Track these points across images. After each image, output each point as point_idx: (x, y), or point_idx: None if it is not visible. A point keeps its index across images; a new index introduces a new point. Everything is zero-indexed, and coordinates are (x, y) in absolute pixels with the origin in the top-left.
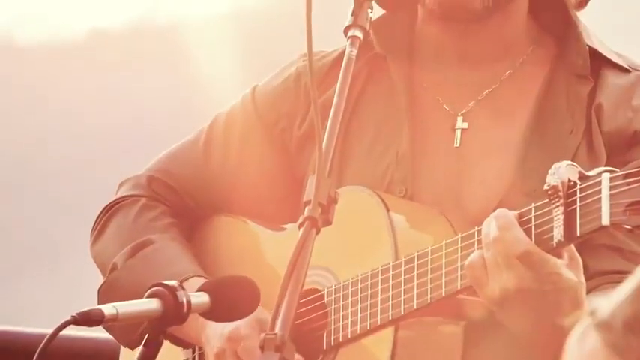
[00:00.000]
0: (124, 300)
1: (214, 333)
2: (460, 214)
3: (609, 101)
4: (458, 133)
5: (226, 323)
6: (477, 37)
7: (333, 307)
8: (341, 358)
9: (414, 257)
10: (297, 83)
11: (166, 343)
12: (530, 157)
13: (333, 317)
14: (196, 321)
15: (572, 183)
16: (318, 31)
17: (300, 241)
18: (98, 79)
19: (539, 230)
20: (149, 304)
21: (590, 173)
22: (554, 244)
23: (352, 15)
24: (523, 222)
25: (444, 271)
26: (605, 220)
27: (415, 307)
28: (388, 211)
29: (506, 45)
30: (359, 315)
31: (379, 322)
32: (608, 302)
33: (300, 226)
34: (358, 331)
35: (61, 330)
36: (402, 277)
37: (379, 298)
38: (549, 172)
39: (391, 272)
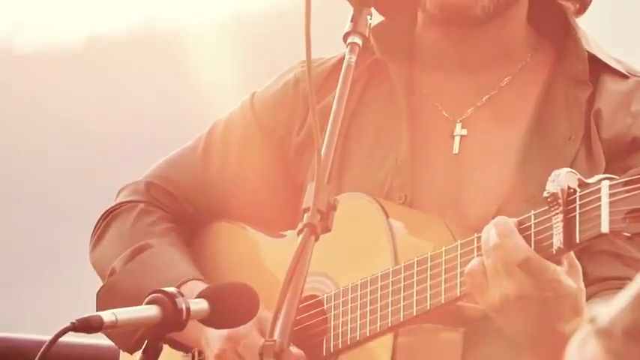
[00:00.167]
0: (123, 304)
1: (214, 335)
2: (459, 220)
3: (608, 107)
4: (457, 139)
5: None
6: (477, 42)
7: (332, 313)
8: None
9: (413, 264)
10: (295, 89)
11: (166, 347)
12: (530, 164)
13: (332, 324)
14: (195, 325)
15: (571, 190)
16: (317, 38)
17: (299, 247)
18: (98, 86)
19: (538, 237)
20: (148, 311)
21: (590, 180)
22: (554, 251)
23: (351, 21)
24: (523, 229)
25: (443, 277)
26: (605, 228)
27: (415, 313)
28: (387, 217)
29: (506, 51)
30: (358, 321)
31: (378, 329)
32: (608, 309)
33: (299, 233)
34: (357, 338)
35: (60, 337)
36: (402, 283)
37: (378, 304)
38: (549, 179)
39: (390, 279)
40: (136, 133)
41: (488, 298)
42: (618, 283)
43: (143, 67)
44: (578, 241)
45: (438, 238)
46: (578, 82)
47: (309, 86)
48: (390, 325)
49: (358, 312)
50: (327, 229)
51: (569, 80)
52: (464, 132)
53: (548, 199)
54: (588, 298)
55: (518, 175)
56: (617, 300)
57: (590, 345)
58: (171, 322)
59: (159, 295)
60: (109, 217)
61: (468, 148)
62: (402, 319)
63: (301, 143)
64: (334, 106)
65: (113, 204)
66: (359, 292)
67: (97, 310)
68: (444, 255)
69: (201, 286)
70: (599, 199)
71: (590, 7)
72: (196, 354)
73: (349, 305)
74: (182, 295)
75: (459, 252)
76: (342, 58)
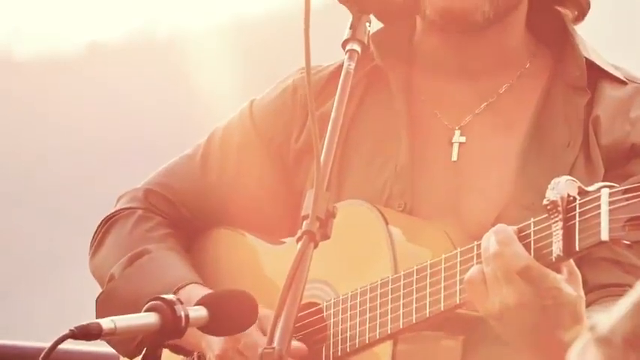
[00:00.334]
0: (122, 310)
1: (214, 337)
2: (459, 227)
3: (607, 114)
4: (455, 146)
5: None
6: (476, 49)
7: (331, 320)
8: None
9: (413, 271)
10: (293, 96)
11: (166, 351)
12: (528, 171)
13: (331, 331)
14: (195, 329)
15: (571, 198)
16: (317, 44)
17: (298, 254)
18: (97, 93)
19: (538, 245)
20: (147, 319)
21: (590, 188)
22: (554, 259)
23: (350, 28)
24: (522, 237)
25: (442, 285)
26: (605, 236)
27: (414, 321)
28: (387, 224)
29: (505, 57)
30: (358, 329)
31: (378, 336)
32: (608, 317)
33: (298, 240)
34: (357, 345)
35: (59, 344)
36: (401, 291)
37: (378, 312)
38: (549, 186)
39: (390, 286)
40: (135, 140)
41: (487, 306)
42: (618, 290)
43: (143, 74)
44: (577, 248)
45: (438, 245)
46: (577, 89)
47: (308, 93)
48: (389, 332)
49: (358, 319)
50: (326, 237)
51: (568, 87)
52: (462, 139)
53: (548, 207)
54: (588, 305)
55: (518, 182)
56: (617, 308)
57: (590, 353)
58: (170, 330)
59: (158, 302)
60: (107, 224)
61: (467, 156)
62: (401, 327)
63: (300, 150)
64: (333, 113)
65: (111, 211)
66: (358, 300)
67: (97, 317)
68: (443, 263)
69: (200, 289)
70: (599, 206)
71: (590, 14)
72: (196, 357)
73: (349, 313)
74: (181, 303)
75: (458, 260)
76: (341, 66)
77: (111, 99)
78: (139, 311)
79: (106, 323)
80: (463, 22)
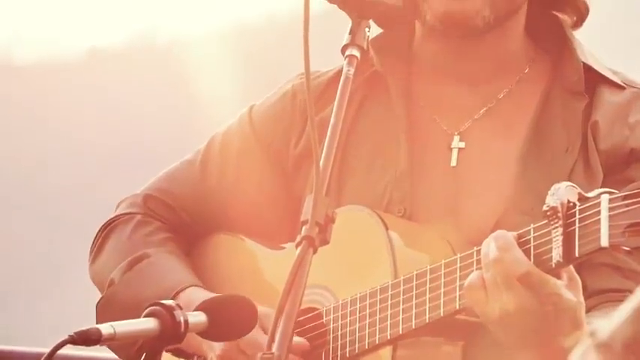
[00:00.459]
0: (122, 314)
1: None
2: (458, 233)
3: (605, 119)
4: (454, 152)
5: None
6: (475, 54)
7: (331, 326)
8: None
9: (412, 277)
10: (293, 102)
11: (168, 355)
12: (528, 176)
13: (331, 336)
14: None
15: (571, 204)
16: (316, 50)
17: (297, 260)
18: (97, 98)
19: (538, 251)
20: (146, 324)
21: (590, 194)
22: (553, 265)
23: (349, 34)
24: (522, 242)
25: (442, 291)
26: (605, 242)
27: (413, 326)
28: (387, 230)
29: (504, 63)
30: (357, 334)
31: (377, 342)
32: (608, 323)
33: (297, 246)
34: (356, 351)
35: (59, 349)
36: (401, 296)
37: (377, 317)
38: (549, 192)
39: (390, 292)
40: (135, 145)
41: (487, 312)
42: (618, 295)
43: (143, 79)
44: (577, 254)
45: (438, 251)
46: (574, 93)
47: (308, 98)
48: (389, 337)
49: (357, 325)
50: (325, 242)
51: (566, 91)
52: (462, 144)
53: (548, 213)
54: (588, 310)
55: (517, 188)
56: (617, 313)
57: (591, 359)
58: (169, 335)
59: (157, 307)
60: (106, 229)
61: (466, 161)
62: (401, 332)
63: (299, 156)
64: (332, 118)
65: (111, 216)
66: (358, 305)
67: (97, 322)
68: (443, 268)
69: (200, 292)
70: (599, 212)
71: (590, 20)
72: None
73: (348, 318)
74: (180, 308)
75: (458, 265)
76: (340, 71)
77: (111, 104)
78: (139, 316)
79: (106, 329)
80: (464, 26)
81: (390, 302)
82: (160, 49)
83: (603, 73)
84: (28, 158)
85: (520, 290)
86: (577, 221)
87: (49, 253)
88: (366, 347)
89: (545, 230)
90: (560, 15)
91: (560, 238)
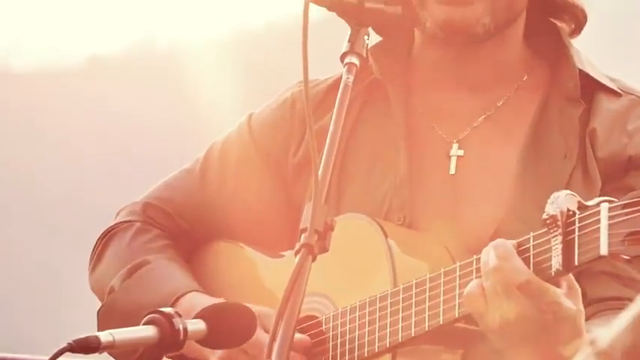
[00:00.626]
0: (123, 321)
1: None
2: (457, 241)
3: (603, 126)
4: (453, 160)
5: None
6: (475, 62)
7: (330, 334)
8: None
9: (412, 285)
10: (292, 110)
11: None
12: (527, 184)
13: (330, 344)
14: None
15: (571, 212)
16: (317, 58)
17: (296, 267)
18: (97, 106)
19: (537, 259)
20: (146, 332)
21: (590, 203)
22: (553, 273)
23: (348, 41)
24: (522, 251)
25: (441, 299)
26: (604, 250)
27: (413, 334)
28: (387, 238)
29: (503, 70)
30: (357, 342)
31: (377, 350)
32: (608, 331)
33: (296, 253)
34: (356, 359)
35: (58, 357)
36: (400, 304)
37: (377, 325)
38: (548, 201)
39: (389, 300)
40: (135, 153)
41: (487, 320)
42: (617, 303)
43: (142, 87)
44: (577, 263)
45: (437, 259)
46: (571, 100)
47: (306, 106)
48: (388, 346)
49: (357, 333)
50: (324, 249)
51: (563, 98)
52: (460, 152)
53: (547, 221)
54: (587, 318)
55: (516, 196)
56: (617, 322)
57: None
58: (168, 343)
59: (156, 315)
60: (105, 238)
61: (465, 169)
62: (400, 340)
63: (298, 164)
64: (331, 126)
65: (110, 225)
66: (357, 313)
67: (99, 329)
68: (442, 277)
69: (201, 297)
70: (599, 221)
71: (591, 27)
72: None
73: (348, 326)
74: (179, 316)
75: (457, 274)
76: (339, 79)
77: (110, 111)
78: (141, 322)
79: (105, 336)
80: (464, 34)
81: (389, 310)
82: (159, 56)
83: (600, 79)
84: (27, 165)
85: (520, 299)
86: (576, 230)
87: (48, 260)
88: (366, 355)
89: (545, 239)
90: (558, 23)
91: (560, 246)
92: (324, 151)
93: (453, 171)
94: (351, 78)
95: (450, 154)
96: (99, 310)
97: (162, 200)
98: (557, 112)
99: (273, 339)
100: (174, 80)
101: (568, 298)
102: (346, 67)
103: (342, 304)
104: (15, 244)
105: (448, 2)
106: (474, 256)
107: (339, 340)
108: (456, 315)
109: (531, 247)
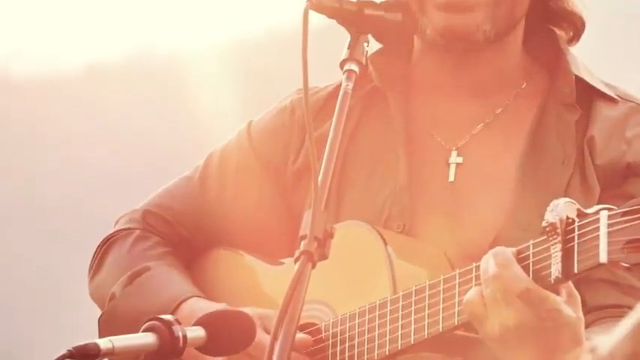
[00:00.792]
0: (124, 327)
1: None
2: (457, 248)
3: (601, 133)
4: (452, 167)
5: None
6: (474, 69)
7: (330, 341)
8: None
9: (411, 292)
10: (291, 117)
11: None
12: (526, 191)
13: (330, 352)
14: None
15: (570, 220)
16: (317, 65)
17: (295, 274)
18: (96, 114)
19: (537, 267)
20: (145, 339)
21: (589, 210)
22: (552, 281)
23: (348, 49)
24: (521, 258)
25: (441, 306)
26: (603, 258)
27: (412, 342)
28: (386, 245)
29: (502, 78)
30: (356, 350)
31: (376, 357)
32: (608, 339)
33: (296, 260)
34: None
35: None
36: (400, 312)
37: (376, 332)
38: (548, 208)
39: (389, 307)
40: (134, 160)
41: (487, 328)
42: (616, 311)
43: (141, 95)
44: (576, 271)
45: (436, 266)
46: (567, 106)
47: (306, 114)
48: (387, 353)
49: (356, 340)
50: (324, 257)
51: (559, 104)
52: (459, 160)
53: (547, 229)
54: (586, 326)
55: (514, 203)
56: (617, 329)
57: None
58: (168, 350)
59: (155, 322)
60: (105, 245)
61: (464, 176)
62: (399, 348)
63: (298, 171)
64: (331, 133)
65: (110, 232)
66: (357, 321)
67: (100, 336)
68: (442, 284)
69: (203, 302)
70: (598, 229)
71: (590, 34)
72: None
73: (347, 334)
74: (179, 323)
75: (457, 281)
76: (338, 86)
77: (110, 119)
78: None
79: (104, 343)
80: (464, 41)
81: (388, 318)
82: (158, 63)
83: (596, 85)
84: (27, 172)
85: (519, 306)
86: (576, 237)
87: (48, 266)
88: None
89: (545, 246)
90: (557, 30)
91: (559, 254)
92: (324, 159)
93: (452, 178)
94: (351, 85)
95: (449, 162)
96: (100, 316)
97: (162, 208)
98: (555, 119)
99: (272, 346)
100: (173, 87)
101: (568, 305)
102: (346, 74)
103: (341, 312)
104: (15, 250)
105: (448, 9)
106: (474, 264)
107: (338, 348)
108: (456, 322)
109: (531, 255)
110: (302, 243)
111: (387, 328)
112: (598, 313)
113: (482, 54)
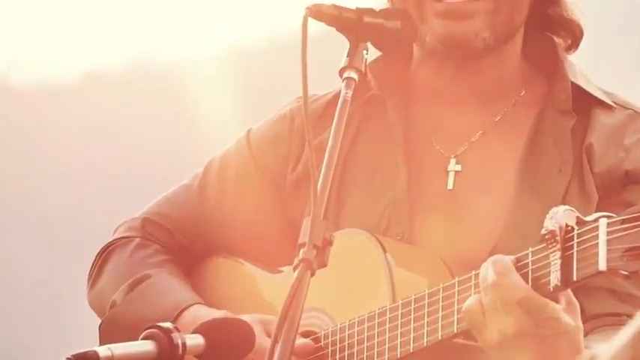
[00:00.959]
0: (125, 335)
1: None
2: (456, 256)
3: (600, 141)
4: (451, 175)
5: None
6: (473, 77)
7: (329, 349)
8: None
9: (410, 300)
10: (291, 125)
11: None
12: (524, 199)
13: None
14: None
15: (569, 228)
16: (317, 73)
17: (295, 282)
18: (96, 121)
19: (536, 275)
20: (144, 347)
21: (588, 218)
22: (551, 289)
23: (347, 56)
24: (520, 266)
25: (440, 314)
26: (602, 266)
27: (411, 350)
28: (385, 253)
29: (501, 86)
30: (356, 358)
31: None
32: (608, 347)
33: (295, 268)
34: None
35: None
36: (399, 320)
37: (376, 340)
38: (547, 216)
39: (388, 315)
40: (134, 168)
41: (486, 336)
42: (614, 319)
43: (141, 102)
44: (575, 278)
45: (436, 274)
46: (563, 112)
47: (306, 121)
48: None
49: (356, 348)
50: (323, 265)
51: (556, 111)
52: (458, 167)
53: (546, 237)
54: (585, 334)
55: (514, 211)
56: (617, 338)
57: None
58: (167, 358)
59: (155, 330)
60: (104, 254)
61: (463, 184)
62: (399, 356)
63: (297, 179)
64: (330, 141)
65: (109, 240)
66: (356, 329)
67: (101, 343)
68: (441, 292)
69: (204, 309)
70: (597, 236)
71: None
72: None
73: (347, 342)
74: (178, 331)
75: (456, 289)
76: (338, 94)
77: (109, 127)
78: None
79: (103, 351)
80: (464, 48)
81: (388, 326)
82: (158, 71)
83: (594, 93)
84: (26, 180)
85: (519, 314)
86: (575, 245)
87: (48, 274)
88: None
89: (544, 254)
90: (555, 38)
91: (559, 262)
92: (323, 166)
93: (450, 186)
94: (350, 93)
95: (448, 169)
96: (100, 324)
97: (161, 216)
98: (552, 125)
99: (272, 354)
100: (173, 95)
101: (567, 313)
102: (345, 81)
103: (341, 320)
104: (15, 258)
105: (448, 16)
106: (473, 272)
107: (337, 356)
108: (455, 330)
109: (530, 263)
110: (301, 251)
111: (387, 336)
112: (596, 322)
113: (481, 61)
